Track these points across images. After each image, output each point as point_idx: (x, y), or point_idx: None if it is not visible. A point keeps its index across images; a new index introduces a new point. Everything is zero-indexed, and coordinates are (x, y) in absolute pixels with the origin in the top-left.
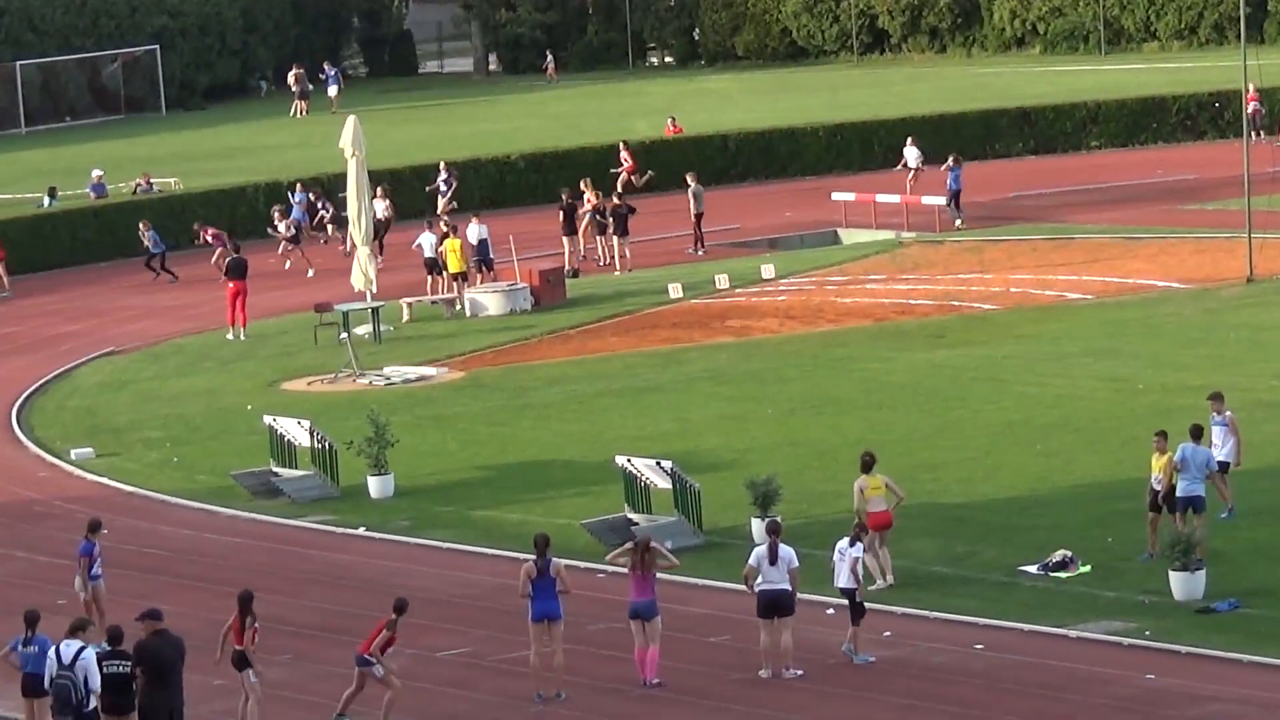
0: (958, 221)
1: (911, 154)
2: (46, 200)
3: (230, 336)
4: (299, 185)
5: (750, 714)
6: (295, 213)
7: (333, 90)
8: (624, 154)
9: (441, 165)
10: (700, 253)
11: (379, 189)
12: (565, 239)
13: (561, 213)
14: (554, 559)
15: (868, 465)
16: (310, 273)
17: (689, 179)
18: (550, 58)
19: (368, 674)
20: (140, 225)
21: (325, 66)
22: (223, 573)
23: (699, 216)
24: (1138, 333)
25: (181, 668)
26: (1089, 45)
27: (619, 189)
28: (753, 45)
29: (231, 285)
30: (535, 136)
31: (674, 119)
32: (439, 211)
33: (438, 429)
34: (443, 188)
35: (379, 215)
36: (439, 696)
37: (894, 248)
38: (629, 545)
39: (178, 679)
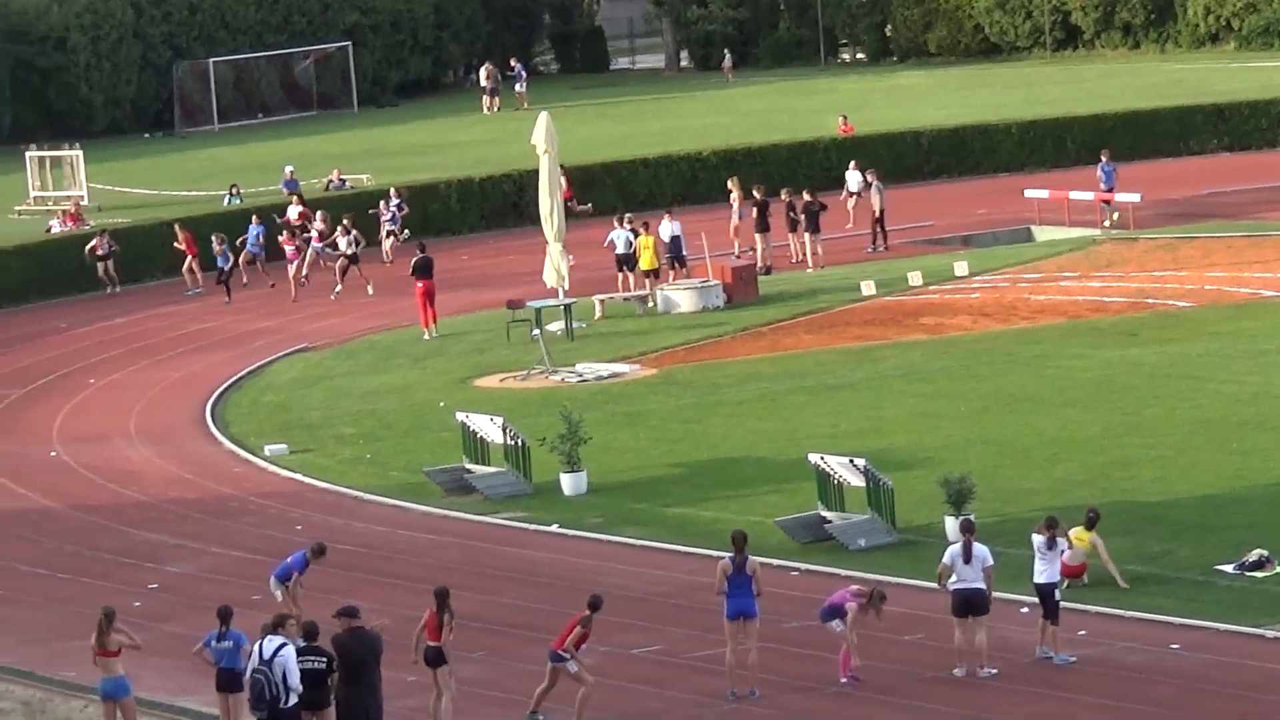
0: (1106, 223)
1: (853, 178)
2: (227, 199)
3: (427, 337)
4: (254, 217)
5: (943, 713)
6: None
7: (519, 87)
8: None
9: (392, 190)
10: (881, 249)
11: (345, 221)
12: (758, 236)
13: (754, 209)
14: (751, 557)
15: (1091, 522)
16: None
17: (869, 176)
18: (728, 56)
19: (561, 670)
20: (214, 238)
21: (512, 63)
22: (416, 569)
23: (881, 214)
24: None
25: (377, 665)
26: None
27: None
28: (945, 42)
29: (420, 285)
30: (727, 133)
31: (845, 117)
32: (388, 243)
33: (630, 426)
34: (389, 213)
35: (342, 249)
36: (632, 694)
37: (1087, 245)
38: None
39: (373, 676)
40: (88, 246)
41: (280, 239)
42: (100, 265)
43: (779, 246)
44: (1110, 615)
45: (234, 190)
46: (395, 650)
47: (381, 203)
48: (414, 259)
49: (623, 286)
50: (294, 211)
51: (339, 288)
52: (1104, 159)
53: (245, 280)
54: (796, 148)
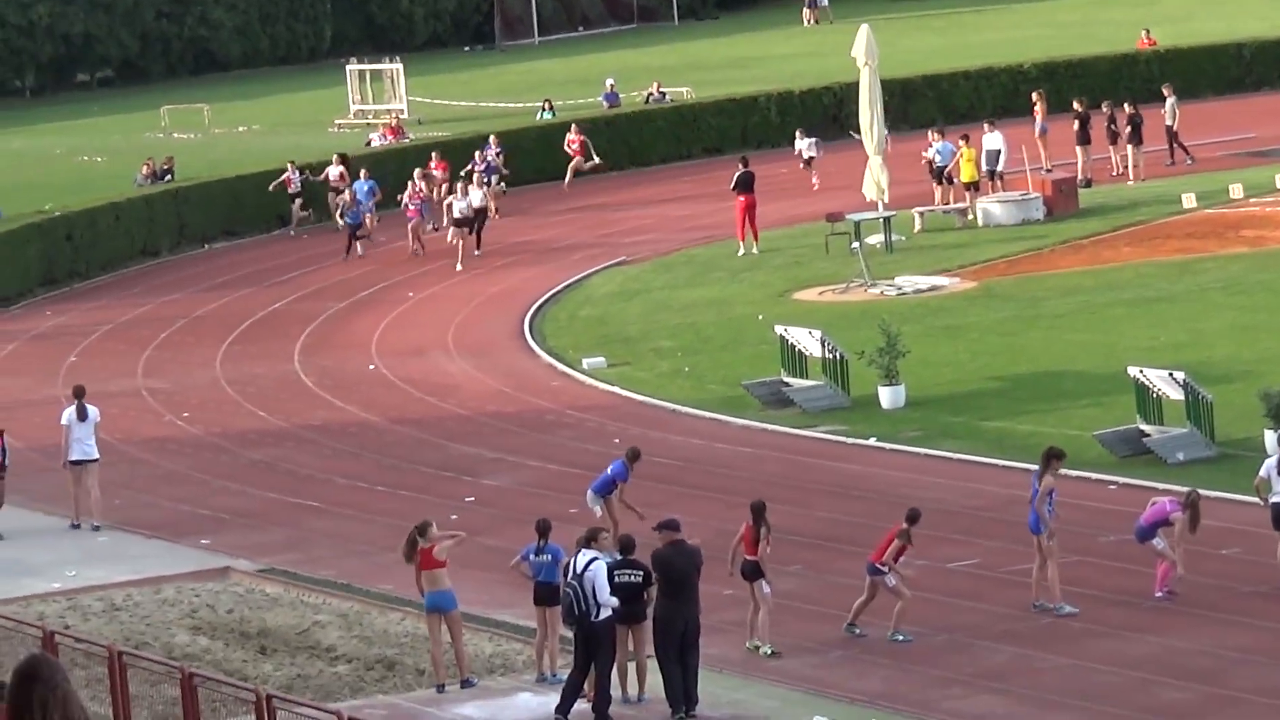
0: None
1: (804, 144)
2: (540, 114)
3: (741, 253)
4: (363, 172)
5: (1261, 628)
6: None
7: (823, 1)
8: (572, 135)
9: (491, 139)
10: (1188, 163)
11: (475, 176)
12: (1079, 149)
13: (1076, 122)
14: (1048, 476)
15: None
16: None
17: (1165, 91)
18: None
19: (879, 583)
20: (346, 195)
21: None
22: (733, 483)
23: (1172, 128)
24: None
25: (697, 578)
26: None
27: (570, 173)
28: None
29: (741, 199)
30: (1048, 45)
31: (1148, 31)
32: (486, 189)
33: (949, 339)
34: (485, 163)
35: (475, 204)
36: (948, 608)
37: None
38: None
39: (693, 589)
40: (280, 180)
41: (405, 195)
42: (294, 202)
43: (1099, 159)
44: None
45: (547, 105)
46: (712, 564)
47: (477, 152)
48: (736, 173)
49: (940, 200)
50: (334, 172)
51: (459, 266)
52: None
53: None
54: (1118, 60)
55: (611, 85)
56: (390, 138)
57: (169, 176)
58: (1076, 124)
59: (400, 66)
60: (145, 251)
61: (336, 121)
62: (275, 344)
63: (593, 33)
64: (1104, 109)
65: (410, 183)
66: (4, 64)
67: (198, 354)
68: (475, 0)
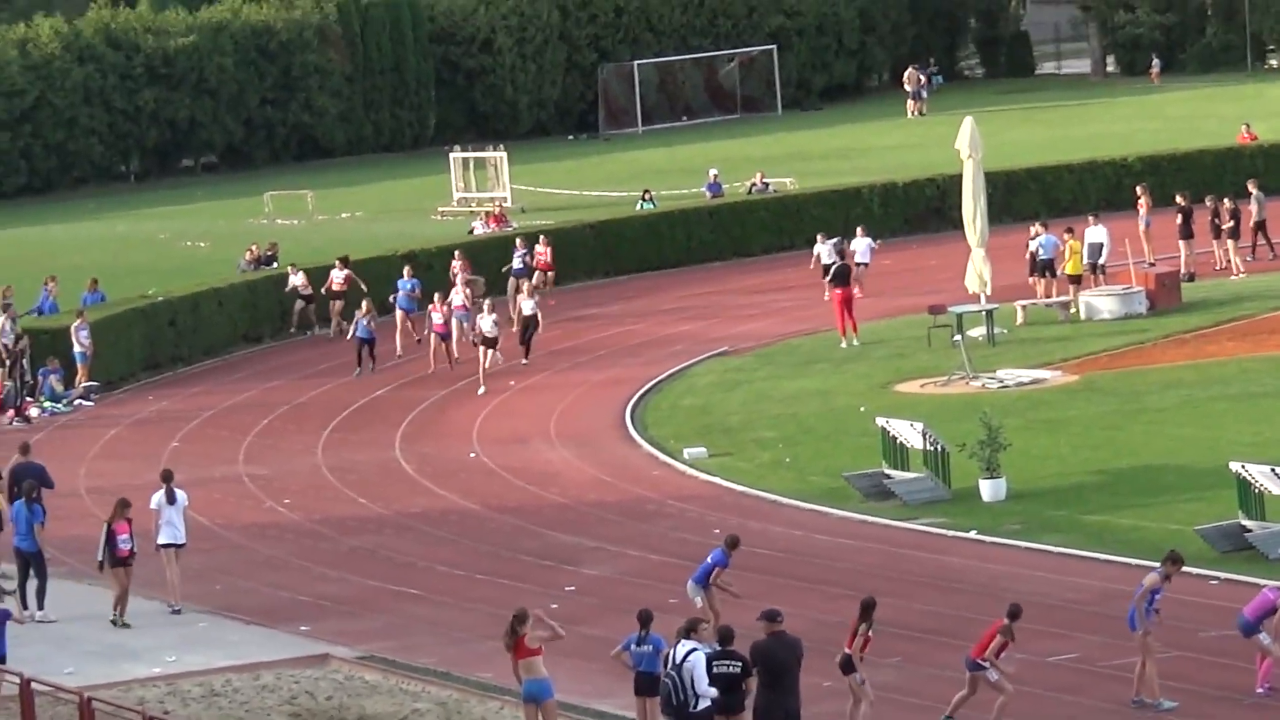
0: None
1: (824, 250)
2: (640, 204)
3: (844, 345)
4: (407, 270)
5: None
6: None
7: (923, 93)
8: (540, 248)
9: (517, 241)
10: (1270, 258)
11: (525, 286)
12: (1181, 243)
13: (1179, 216)
14: (1154, 570)
15: None
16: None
17: (1250, 185)
18: (1155, 61)
19: (980, 678)
20: (365, 304)
21: (912, 69)
22: (833, 574)
23: (1261, 224)
24: None
25: (798, 670)
26: None
27: (534, 285)
28: None
29: (838, 292)
30: (1153, 139)
31: (1248, 125)
32: (520, 290)
33: (1051, 432)
34: (517, 264)
35: (525, 312)
36: (1048, 702)
37: None
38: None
39: (794, 680)
40: (290, 286)
41: (432, 304)
42: (299, 304)
43: (1202, 253)
44: None
45: (646, 195)
46: (812, 655)
47: (458, 261)
48: (834, 265)
49: (1043, 293)
50: (337, 276)
51: (482, 389)
52: None
53: (399, 351)
54: (1222, 154)
55: (715, 175)
56: (493, 226)
57: (273, 263)
58: (1180, 218)
59: (504, 154)
60: (248, 337)
61: (439, 209)
62: (376, 431)
63: (696, 122)
64: (1207, 203)
65: (438, 295)
66: (110, 149)
67: (299, 440)
68: (579, 89)
